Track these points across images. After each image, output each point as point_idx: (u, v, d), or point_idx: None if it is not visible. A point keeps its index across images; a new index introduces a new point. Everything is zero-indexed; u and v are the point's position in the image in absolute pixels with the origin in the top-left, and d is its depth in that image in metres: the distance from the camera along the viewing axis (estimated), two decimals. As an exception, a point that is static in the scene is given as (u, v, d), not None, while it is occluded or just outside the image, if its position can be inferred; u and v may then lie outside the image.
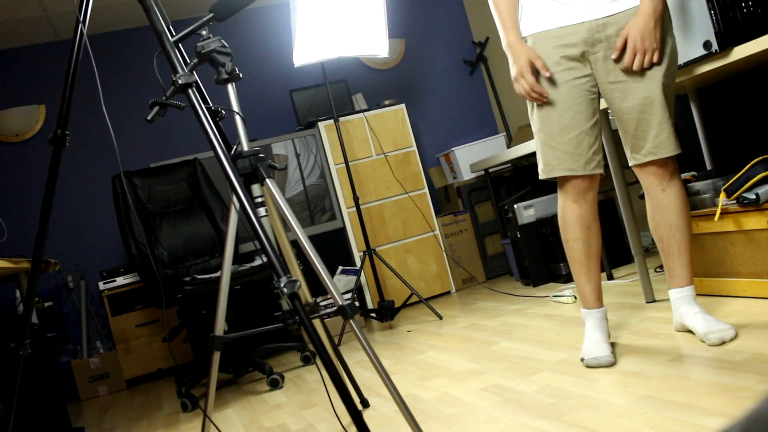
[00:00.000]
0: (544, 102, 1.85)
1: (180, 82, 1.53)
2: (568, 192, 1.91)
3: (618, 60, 1.78)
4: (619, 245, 3.39)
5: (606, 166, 2.65)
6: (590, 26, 1.79)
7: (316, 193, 4.05)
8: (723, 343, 1.74)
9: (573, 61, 1.82)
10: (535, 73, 1.84)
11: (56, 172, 1.76)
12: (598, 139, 1.87)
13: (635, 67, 1.74)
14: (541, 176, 1.92)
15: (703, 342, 1.78)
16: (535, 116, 1.91)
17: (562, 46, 1.82)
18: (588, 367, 1.84)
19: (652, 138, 1.80)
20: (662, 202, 1.87)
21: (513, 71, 1.88)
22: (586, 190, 1.89)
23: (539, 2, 1.86)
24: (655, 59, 1.74)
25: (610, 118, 2.52)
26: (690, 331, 1.90)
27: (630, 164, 1.91)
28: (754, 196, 1.96)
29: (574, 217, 1.91)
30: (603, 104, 2.03)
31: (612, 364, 1.81)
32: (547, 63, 1.83)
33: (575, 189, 1.89)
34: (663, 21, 1.76)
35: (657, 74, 1.77)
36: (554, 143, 1.86)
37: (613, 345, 1.96)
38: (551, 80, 1.83)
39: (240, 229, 1.92)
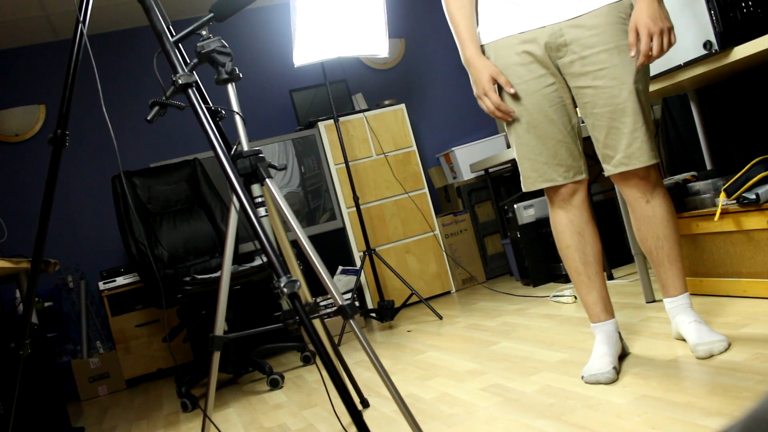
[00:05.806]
0: (512, 119, 1.77)
1: (180, 82, 1.53)
2: (554, 200, 1.84)
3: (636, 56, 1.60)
4: (619, 245, 3.39)
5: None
6: (551, 30, 1.68)
7: (313, 193, 4.05)
8: (711, 356, 1.65)
9: (540, 68, 1.71)
10: (500, 88, 1.75)
11: (56, 172, 1.76)
12: (577, 144, 1.77)
13: (655, 52, 1.56)
14: (523, 189, 1.86)
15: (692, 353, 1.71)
16: (511, 127, 1.82)
17: (524, 52, 1.71)
18: (587, 383, 1.70)
19: (623, 148, 1.68)
20: (647, 214, 1.76)
21: (475, 89, 1.76)
22: (571, 195, 1.80)
23: (496, 7, 1.76)
24: (673, 40, 1.57)
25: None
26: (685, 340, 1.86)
27: (606, 174, 1.80)
28: (754, 196, 1.96)
29: (563, 224, 1.82)
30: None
31: (612, 382, 1.67)
32: (512, 74, 1.73)
33: (559, 197, 1.82)
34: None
35: (628, 79, 1.64)
36: (531, 155, 1.79)
37: (622, 359, 1.83)
38: (516, 95, 1.74)
39: (240, 229, 1.92)
